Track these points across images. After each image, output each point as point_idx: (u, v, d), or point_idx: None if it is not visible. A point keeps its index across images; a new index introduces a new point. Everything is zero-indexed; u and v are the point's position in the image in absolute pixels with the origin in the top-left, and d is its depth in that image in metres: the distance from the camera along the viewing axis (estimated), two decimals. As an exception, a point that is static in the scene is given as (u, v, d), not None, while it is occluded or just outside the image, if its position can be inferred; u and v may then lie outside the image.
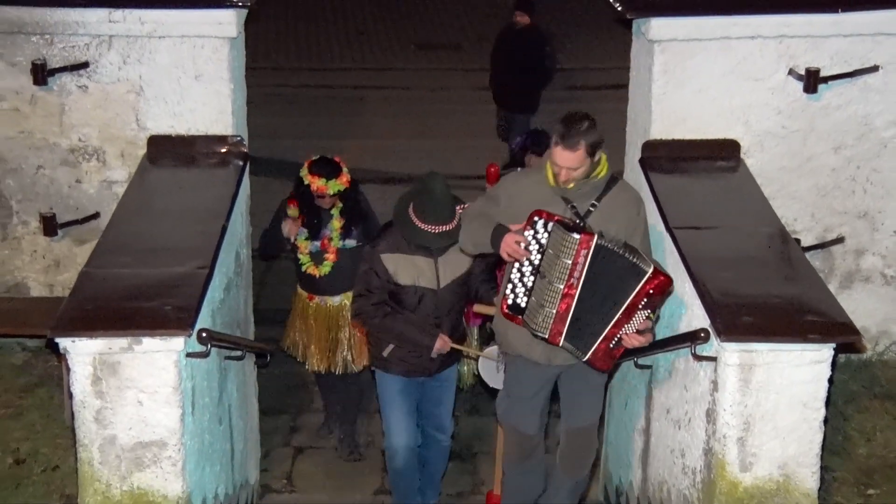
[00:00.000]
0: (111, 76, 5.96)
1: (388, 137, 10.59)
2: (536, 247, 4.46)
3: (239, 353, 5.53)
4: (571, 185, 4.59)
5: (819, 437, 4.68)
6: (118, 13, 5.80)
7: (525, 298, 4.53)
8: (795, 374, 4.57)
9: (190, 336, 4.55)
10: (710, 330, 4.58)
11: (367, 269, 5.61)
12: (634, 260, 4.40)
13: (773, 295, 4.73)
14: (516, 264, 4.54)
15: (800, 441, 4.65)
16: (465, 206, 5.45)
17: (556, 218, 4.41)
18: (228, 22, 5.82)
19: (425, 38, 13.13)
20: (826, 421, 4.72)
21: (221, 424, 5.30)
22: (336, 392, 7.14)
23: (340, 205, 6.40)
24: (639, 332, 4.52)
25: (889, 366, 6.24)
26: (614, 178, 4.71)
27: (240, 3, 5.78)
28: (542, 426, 5.11)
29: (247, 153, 6.01)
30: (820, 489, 4.79)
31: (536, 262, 4.47)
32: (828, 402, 4.70)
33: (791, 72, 5.87)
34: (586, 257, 4.36)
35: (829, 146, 6.03)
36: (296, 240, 6.47)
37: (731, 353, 4.48)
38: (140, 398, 4.54)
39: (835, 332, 4.55)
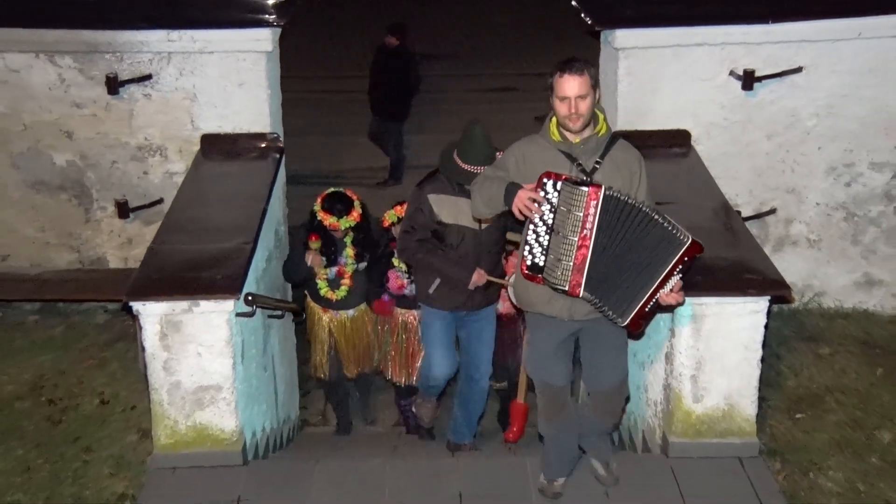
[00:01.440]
0: (170, 86, 5.93)
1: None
2: (548, 207, 3.92)
3: (279, 312, 5.52)
4: (578, 127, 3.98)
5: (757, 374, 4.72)
6: (175, 34, 5.79)
7: (542, 257, 3.99)
8: (738, 323, 4.59)
9: (238, 299, 4.56)
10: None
11: (415, 208, 5.16)
12: (671, 229, 3.85)
13: (720, 257, 4.72)
14: (531, 226, 3.98)
15: (741, 377, 4.69)
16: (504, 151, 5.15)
17: (563, 177, 3.89)
18: (265, 39, 5.80)
19: (429, 49, 13.03)
20: (762, 360, 4.75)
21: (266, 371, 5.29)
22: (345, 404, 6.53)
23: (352, 234, 5.79)
24: (673, 291, 3.96)
25: (813, 314, 6.23)
26: (615, 136, 4.18)
27: (274, 24, 5.78)
28: (569, 376, 4.47)
29: (282, 147, 5.98)
30: (757, 415, 4.83)
31: (549, 221, 3.93)
32: (764, 345, 4.72)
33: (731, 73, 5.85)
34: (596, 207, 3.83)
35: (763, 134, 6.00)
36: (318, 268, 5.82)
37: (686, 306, 4.49)
38: (199, 350, 4.56)
39: (769, 287, 4.58)
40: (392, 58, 9.91)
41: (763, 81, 5.82)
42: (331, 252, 5.78)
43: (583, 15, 5.83)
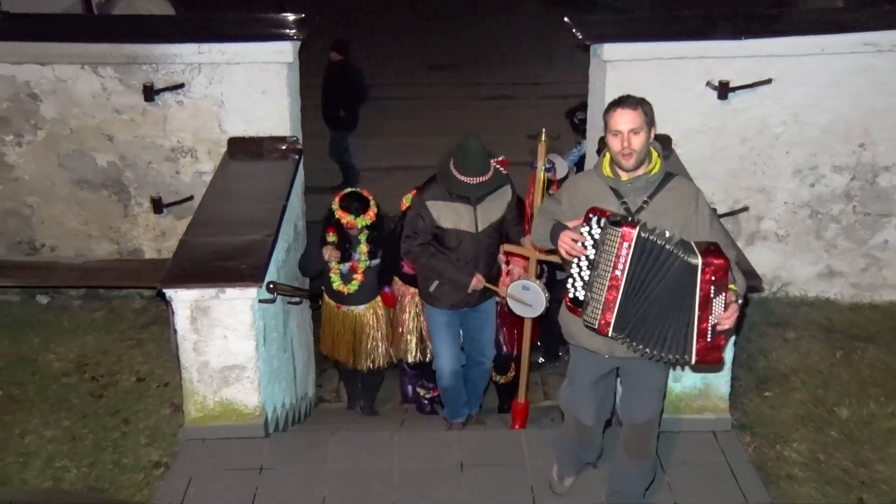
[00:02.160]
0: (200, 93, 5.89)
1: (406, 136, 10.53)
2: (591, 242, 3.54)
3: (297, 299, 5.48)
4: (630, 164, 3.55)
5: (730, 356, 4.67)
6: (205, 46, 5.76)
7: (583, 292, 3.60)
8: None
9: (261, 287, 4.53)
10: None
11: (415, 214, 4.96)
12: (683, 256, 3.36)
13: (696, 251, 4.66)
14: (575, 259, 3.60)
15: (716, 359, 4.63)
16: (500, 158, 4.95)
17: (607, 214, 3.49)
18: (287, 51, 5.75)
19: (434, 60, 12.99)
20: (735, 343, 4.70)
21: (286, 352, 5.26)
22: (356, 383, 6.29)
23: (367, 232, 5.51)
24: (725, 310, 3.42)
25: (781, 302, 6.20)
26: (669, 174, 3.68)
27: (295, 38, 5.75)
28: (602, 419, 4.06)
29: (301, 149, 5.93)
30: (730, 393, 4.80)
31: (592, 256, 3.54)
32: (737, 330, 4.67)
33: (708, 84, 5.80)
34: (629, 249, 3.39)
35: (736, 139, 5.96)
36: (331, 259, 5.51)
37: (666, 295, 4.43)
38: (225, 333, 4.53)
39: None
40: (337, 71, 9.71)
41: (736, 92, 5.78)
42: (345, 248, 5.55)
43: (574, 30, 5.82)
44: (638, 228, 3.41)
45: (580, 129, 5.81)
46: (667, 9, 8.97)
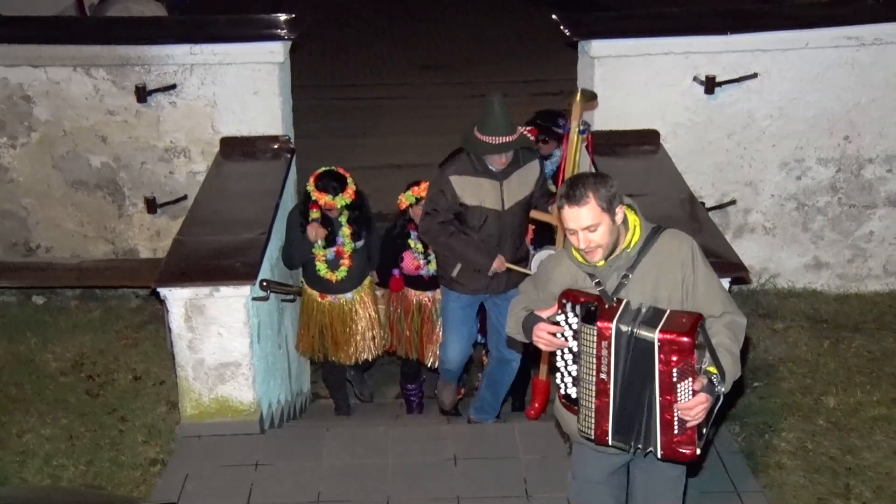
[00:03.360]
0: (193, 94, 5.87)
1: (400, 135, 10.50)
2: (571, 332, 3.04)
3: (291, 297, 5.47)
4: (601, 262, 3.02)
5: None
6: (197, 47, 5.75)
7: (574, 388, 3.11)
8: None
9: (254, 285, 4.52)
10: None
11: (437, 190, 4.53)
12: (642, 332, 2.89)
13: (684, 244, 4.65)
14: (559, 352, 3.12)
15: (705, 350, 4.62)
16: (528, 128, 4.64)
17: (581, 299, 2.98)
18: (278, 51, 5.74)
19: (426, 60, 12.95)
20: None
21: (281, 349, 5.25)
22: (343, 388, 5.86)
23: (347, 212, 5.14)
24: (693, 397, 2.89)
25: (768, 293, 6.20)
26: (655, 231, 3.11)
27: (286, 38, 5.73)
28: None
29: (293, 148, 5.92)
30: (720, 385, 4.77)
31: (574, 347, 3.05)
32: (717, 419, 4.64)
33: (695, 79, 5.79)
34: (609, 348, 2.91)
35: (723, 133, 5.95)
36: (316, 244, 5.13)
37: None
38: (220, 331, 4.52)
39: (730, 269, 4.53)
40: None
41: (723, 86, 5.77)
42: (328, 232, 5.15)
43: (562, 28, 5.81)
44: (615, 321, 2.90)
45: (556, 136, 5.38)
46: (654, 5, 8.96)
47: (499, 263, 4.62)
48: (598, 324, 2.93)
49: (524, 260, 4.77)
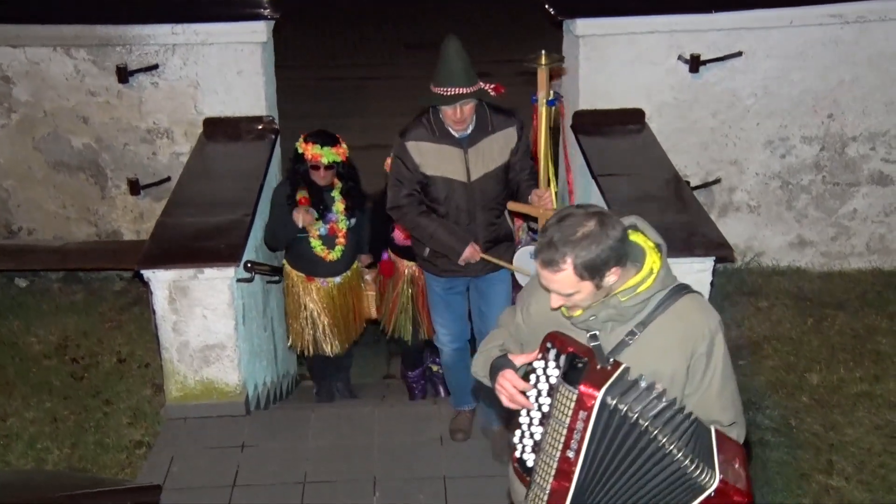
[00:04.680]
0: (175, 74, 5.79)
1: (385, 115, 10.47)
2: (546, 387, 2.41)
3: (276, 278, 5.43)
4: (578, 313, 2.43)
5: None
6: (179, 27, 5.66)
7: (532, 455, 2.47)
8: (686, 280, 4.39)
9: (239, 266, 4.48)
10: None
11: (395, 158, 4.03)
12: (691, 468, 2.28)
13: (670, 222, 4.66)
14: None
15: (690, 329, 4.61)
16: (493, 85, 3.90)
17: (569, 349, 2.36)
18: (261, 31, 5.66)
19: (412, 39, 12.87)
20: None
21: (266, 331, 5.21)
22: (328, 377, 5.56)
23: (340, 184, 4.77)
24: None
25: (753, 272, 6.21)
26: (679, 289, 2.46)
27: (269, 17, 5.65)
28: None
29: (277, 129, 5.86)
30: (705, 363, 4.78)
31: (546, 406, 2.41)
32: (710, 299, 4.64)
33: (679, 57, 5.75)
34: (586, 422, 2.28)
35: (708, 112, 5.93)
36: (309, 226, 4.74)
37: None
38: (204, 313, 4.49)
39: (714, 248, 4.52)
40: None
41: (707, 65, 5.74)
42: (319, 207, 4.77)
43: (547, 6, 5.76)
44: (603, 391, 2.27)
45: None
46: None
47: (471, 252, 4.03)
48: (581, 387, 2.27)
49: (505, 240, 4.22)
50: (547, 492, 2.39)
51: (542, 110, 4.08)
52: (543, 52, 4.05)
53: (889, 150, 6.06)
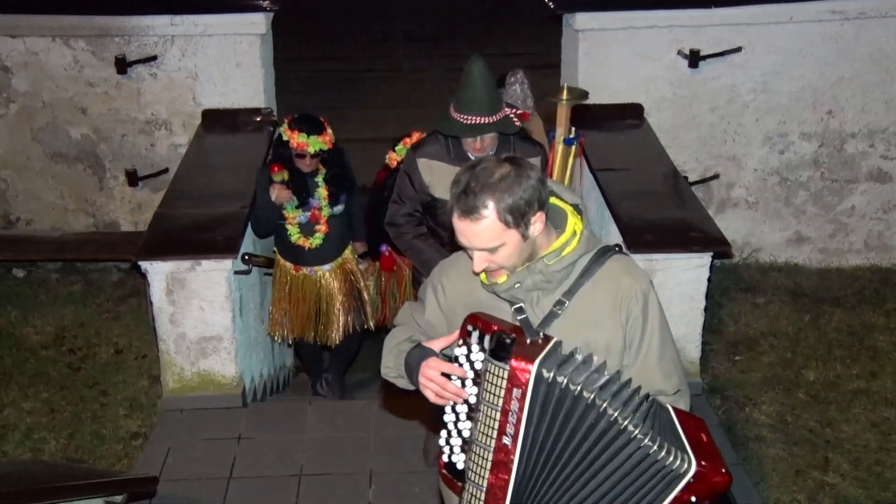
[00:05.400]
0: (174, 66, 5.76)
1: (384, 107, 10.46)
2: (472, 374, 2.14)
3: (273, 270, 5.42)
4: (502, 279, 2.18)
5: (700, 321, 4.67)
6: (178, 18, 5.64)
7: (462, 456, 2.20)
8: (684, 276, 4.52)
9: (236, 258, 4.46)
10: (622, 245, 4.49)
11: (403, 173, 3.73)
12: (662, 452, 2.02)
13: (668, 218, 4.66)
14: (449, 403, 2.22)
15: (687, 324, 4.63)
16: (519, 111, 3.62)
17: (494, 328, 2.10)
18: (259, 23, 5.64)
19: (410, 31, 12.85)
20: (706, 309, 4.69)
21: (263, 323, 5.19)
22: (319, 363, 5.30)
23: (324, 170, 4.55)
24: None
25: (750, 268, 6.21)
26: (604, 251, 2.27)
27: (268, 9, 5.62)
28: None
29: (276, 121, 5.83)
30: (701, 358, 4.81)
31: (474, 398, 2.14)
32: (707, 295, 4.67)
33: (679, 53, 5.75)
34: (522, 400, 2.03)
35: (707, 107, 5.92)
36: (284, 208, 4.55)
37: (638, 261, 4.40)
38: (202, 305, 4.47)
39: (712, 244, 4.52)
40: None
41: (707, 60, 5.73)
42: (301, 194, 4.55)
43: (546, 0, 5.74)
44: (538, 362, 2.03)
45: None
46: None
47: None
48: (513, 361, 2.03)
49: None
50: (484, 489, 2.11)
51: (560, 148, 3.86)
52: (566, 85, 3.76)
53: (888, 147, 6.05)
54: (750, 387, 4.89)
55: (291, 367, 6.17)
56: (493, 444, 2.09)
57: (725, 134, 6.00)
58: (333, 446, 4.37)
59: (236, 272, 4.52)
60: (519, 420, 2.05)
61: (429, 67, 12.14)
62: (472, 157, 3.50)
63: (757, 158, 6.07)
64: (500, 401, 2.06)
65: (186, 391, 4.60)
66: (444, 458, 2.24)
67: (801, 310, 5.62)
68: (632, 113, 5.76)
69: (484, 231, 2.11)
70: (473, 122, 3.47)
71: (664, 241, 4.47)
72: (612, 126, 5.69)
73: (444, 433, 2.23)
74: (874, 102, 5.92)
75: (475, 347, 2.13)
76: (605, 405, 2.04)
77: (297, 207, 4.58)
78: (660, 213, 4.70)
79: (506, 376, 2.05)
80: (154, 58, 5.73)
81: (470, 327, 2.15)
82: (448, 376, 2.17)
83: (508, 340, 2.08)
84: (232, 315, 4.49)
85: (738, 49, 5.72)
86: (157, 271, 4.41)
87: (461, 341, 2.17)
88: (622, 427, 2.04)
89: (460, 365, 2.17)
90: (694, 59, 5.70)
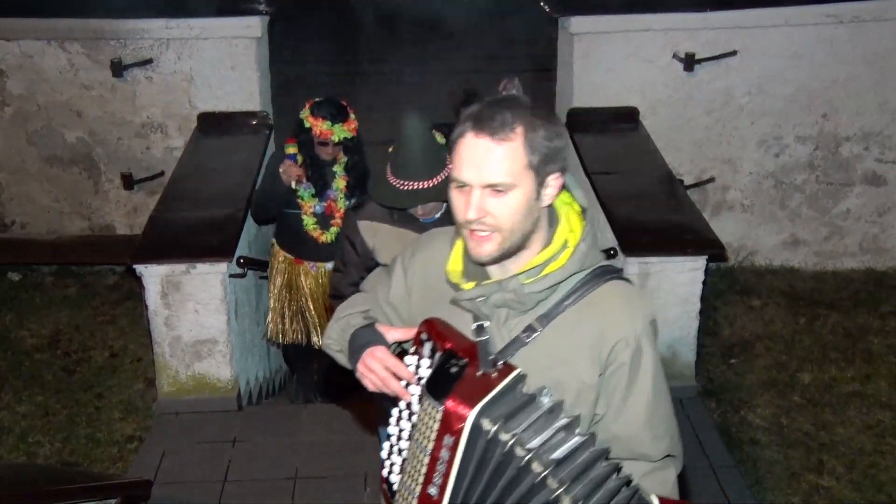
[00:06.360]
0: (169, 69, 5.78)
1: (378, 111, 10.45)
2: (419, 391, 1.81)
3: (267, 273, 5.43)
4: (486, 252, 1.76)
5: (696, 324, 4.68)
6: (173, 22, 5.65)
7: (398, 476, 1.87)
8: (679, 279, 4.53)
9: (231, 262, 4.47)
10: (617, 248, 4.51)
11: (344, 237, 3.24)
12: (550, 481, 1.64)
13: (663, 221, 4.67)
14: (396, 409, 1.89)
15: (682, 327, 4.65)
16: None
17: (447, 345, 1.77)
18: (255, 26, 5.66)
19: (403, 35, 12.86)
20: (701, 312, 4.70)
21: (259, 326, 5.19)
22: (310, 369, 5.05)
23: (345, 159, 4.29)
24: None
25: (746, 270, 6.22)
26: (603, 272, 1.86)
27: (263, 12, 5.67)
28: None
29: (271, 124, 5.85)
30: (696, 361, 4.81)
31: (415, 416, 1.81)
32: (702, 298, 4.67)
33: (674, 56, 5.76)
34: (452, 451, 1.68)
35: (702, 110, 5.93)
36: (296, 189, 4.29)
37: (633, 265, 4.45)
38: (197, 308, 4.47)
39: (707, 247, 4.52)
40: None
41: (702, 63, 5.74)
42: (318, 182, 4.30)
43: (542, 3, 5.78)
44: (478, 410, 1.65)
45: None
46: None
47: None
48: (448, 402, 1.67)
49: None
50: None
51: None
52: None
53: (883, 151, 6.07)
54: (745, 389, 4.90)
55: (286, 370, 6.18)
56: (418, 491, 1.74)
57: (721, 137, 6.01)
58: (328, 449, 4.37)
59: (231, 275, 4.53)
60: (448, 474, 1.68)
61: (423, 70, 12.17)
62: (419, 218, 3.12)
63: (752, 161, 6.08)
64: (431, 445, 1.69)
65: (181, 394, 4.60)
66: (385, 472, 1.93)
67: (796, 313, 5.63)
68: (627, 116, 5.78)
69: (503, 158, 1.69)
70: (409, 187, 3.00)
71: (659, 245, 4.48)
72: (607, 129, 5.71)
73: (386, 444, 1.93)
74: (869, 105, 5.94)
75: (425, 361, 1.79)
76: (560, 491, 1.60)
77: (313, 196, 4.33)
78: (655, 217, 4.71)
79: (439, 418, 1.68)
80: (150, 61, 5.74)
81: (424, 335, 1.81)
82: (393, 371, 1.84)
83: (455, 369, 1.69)
84: (227, 318, 4.49)
85: (734, 52, 5.74)
86: (153, 274, 4.41)
87: (414, 348, 1.83)
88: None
89: (411, 371, 1.84)
90: (689, 62, 5.71)
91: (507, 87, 4.79)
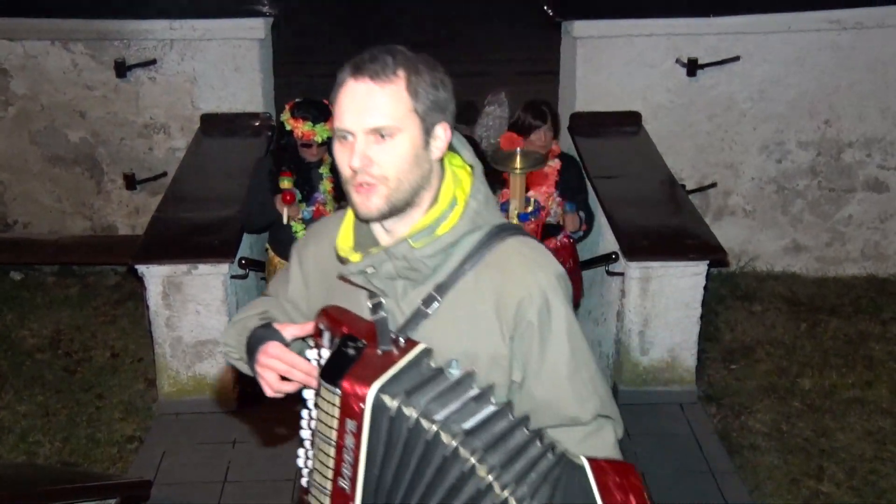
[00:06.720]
0: (173, 70, 5.78)
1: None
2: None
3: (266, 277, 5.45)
4: (372, 207, 1.64)
5: (696, 329, 4.68)
6: (177, 23, 5.66)
7: (306, 477, 1.78)
8: (680, 284, 4.54)
9: (233, 263, 4.48)
10: (619, 252, 4.51)
11: None
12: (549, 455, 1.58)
13: (665, 226, 4.67)
14: (304, 409, 1.76)
15: (683, 332, 4.65)
16: None
17: (343, 329, 1.65)
18: (258, 27, 5.67)
19: (411, 38, 12.88)
20: (702, 317, 4.70)
21: (260, 327, 5.21)
22: None
23: (330, 160, 4.05)
24: None
25: (747, 276, 6.21)
26: (500, 231, 1.69)
27: (267, 14, 5.66)
28: None
29: (273, 125, 5.85)
30: (696, 365, 4.81)
31: (316, 410, 1.69)
32: (703, 303, 4.68)
33: (677, 61, 5.76)
34: (357, 436, 1.56)
35: (704, 115, 5.93)
36: (290, 219, 4.18)
37: (634, 269, 4.45)
38: (198, 309, 4.48)
39: (708, 252, 4.53)
40: None
41: (705, 68, 5.75)
42: (304, 187, 4.20)
43: (545, 7, 5.78)
44: (378, 385, 1.54)
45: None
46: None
47: None
48: (344, 384, 1.55)
49: None
50: None
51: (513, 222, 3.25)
52: (519, 151, 3.17)
53: (885, 157, 6.07)
54: (745, 395, 4.89)
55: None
56: (329, 488, 1.61)
57: (723, 142, 6.02)
58: (328, 451, 4.36)
59: (233, 277, 4.54)
60: (356, 462, 1.56)
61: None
62: None
63: (754, 167, 6.09)
64: (334, 434, 1.57)
65: (182, 395, 4.61)
66: (303, 481, 1.78)
67: (797, 318, 5.63)
68: (629, 120, 5.78)
69: (386, 101, 1.59)
70: None
71: (661, 249, 4.48)
72: (609, 133, 5.72)
73: (301, 451, 1.81)
74: (871, 112, 5.94)
75: (326, 353, 1.66)
76: (474, 461, 1.49)
77: (300, 201, 4.21)
78: (656, 221, 4.72)
79: (337, 403, 1.55)
80: (153, 62, 5.75)
81: (322, 325, 1.67)
82: (293, 366, 1.71)
83: (352, 352, 1.58)
84: (228, 319, 4.49)
85: (736, 58, 5.74)
86: (154, 275, 4.42)
87: (312, 342, 1.71)
88: (499, 500, 1.49)
89: (309, 366, 1.70)
90: (692, 67, 5.72)
91: (491, 100, 4.79)
